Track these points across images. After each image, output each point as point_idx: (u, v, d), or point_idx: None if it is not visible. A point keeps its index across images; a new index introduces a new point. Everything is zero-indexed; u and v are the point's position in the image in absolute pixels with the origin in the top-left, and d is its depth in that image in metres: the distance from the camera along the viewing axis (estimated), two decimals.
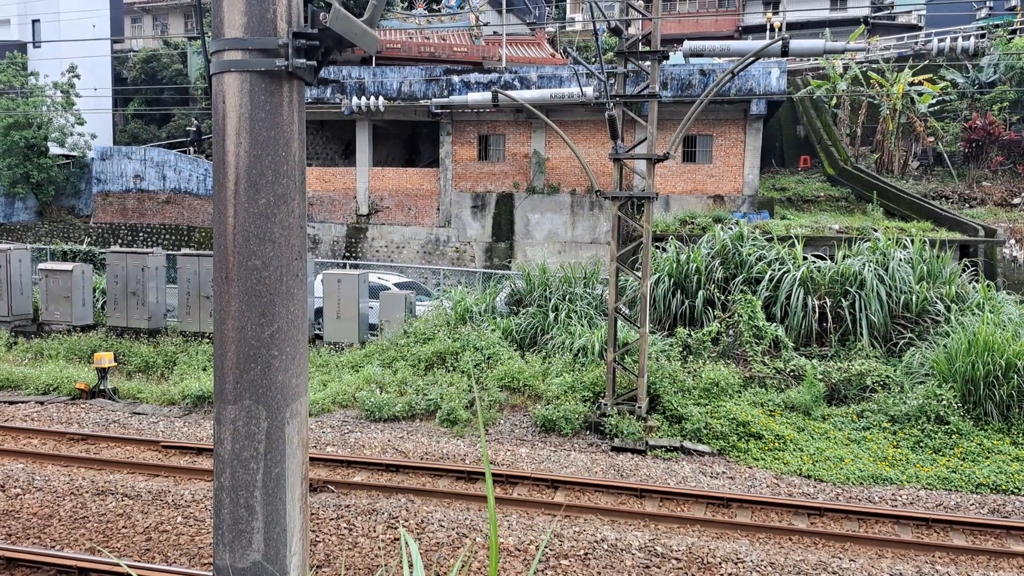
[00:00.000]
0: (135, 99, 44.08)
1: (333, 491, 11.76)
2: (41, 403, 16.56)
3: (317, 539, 10.07)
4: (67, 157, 35.85)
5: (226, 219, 3.96)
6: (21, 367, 18.53)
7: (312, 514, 10.74)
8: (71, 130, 34.52)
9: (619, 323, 15.52)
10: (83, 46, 35.24)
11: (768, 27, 40.50)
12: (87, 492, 11.42)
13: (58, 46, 35.99)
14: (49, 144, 34.45)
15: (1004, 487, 12.37)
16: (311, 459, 12.68)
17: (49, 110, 34.32)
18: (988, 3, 41.17)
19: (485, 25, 34.77)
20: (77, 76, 34.53)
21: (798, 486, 12.55)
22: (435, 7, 39.50)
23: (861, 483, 12.65)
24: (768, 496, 11.90)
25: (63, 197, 36.08)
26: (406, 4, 38.93)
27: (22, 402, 16.62)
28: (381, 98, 29.14)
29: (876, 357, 16.36)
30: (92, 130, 35.33)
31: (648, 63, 14.63)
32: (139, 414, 15.94)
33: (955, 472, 12.76)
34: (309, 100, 29.03)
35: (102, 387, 16.95)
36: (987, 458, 13.13)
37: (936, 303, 17.01)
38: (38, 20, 40.07)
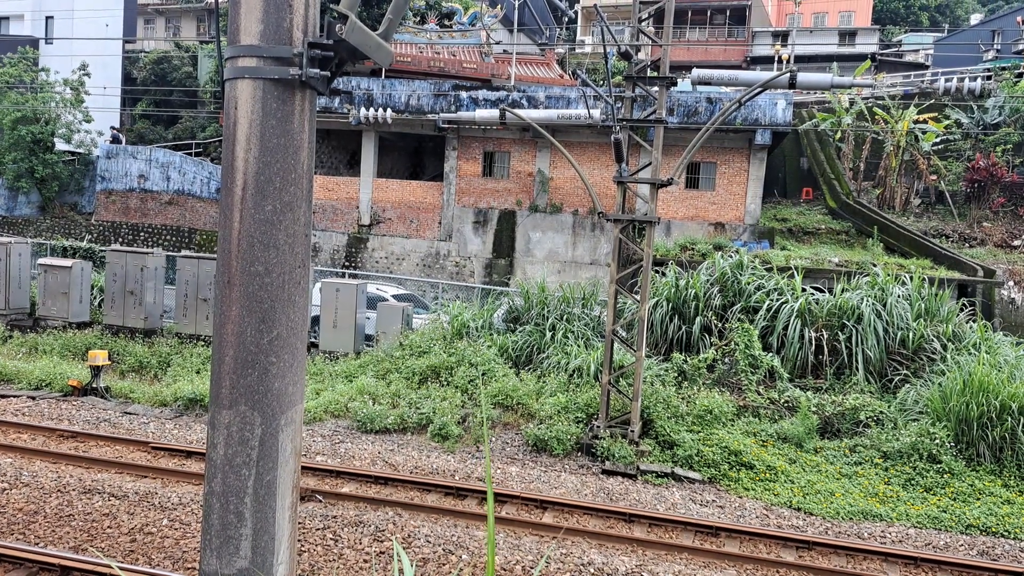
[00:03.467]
0: (143, 99, 44.28)
1: (321, 501, 11.70)
2: (33, 398, 16.49)
3: (302, 549, 10.01)
4: (72, 154, 35.94)
5: (231, 224, 3.97)
6: (15, 361, 18.47)
7: (299, 523, 10.68)
8: (78, 127, 34.62)
9: (616, 345, 15.51)
10: (95, 44, 35.49)
11: (776, 59, 40.84)
12: (74, 490, 11.36)
13: (70, 43, 36.22)
14: (56, 140, 34.55)
15: (994, 529, 12.33)
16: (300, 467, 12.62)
17: (58, 106, 34.44)
18: (995, 45, 41.54)
19: (496, 43, 35.00)
20: (87, 74, 34.71)
21: (788, 518, 12.50)
22: (447, 23, 39.77)
23: (851, 518, 12.61)
24: (757, 527, 11.85)
25: (66, 193, 36.13)
26: (418, 19, 39.19)
27: (14, 396, 16.55)
28: (389, 110, 29.37)
29: (871, 392, 16.35)
30: (99, 128, 35.44)
31: (656, 88, 14.73)
32: (130, 414, 15.87)
33: (945, 512, 12.72)
34: (317, 109, 29.18)
35: (95, 385, 16.89)
36: (978, 499, 13.09)
37: (933, 341, 17.02)
38: (52, 17, 40.34)
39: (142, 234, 33.62)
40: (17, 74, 34.54)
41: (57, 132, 34.13)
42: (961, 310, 18.75)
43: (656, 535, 11.48)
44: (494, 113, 16.79)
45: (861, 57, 42.56)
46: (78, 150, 35.39)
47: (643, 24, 15.00)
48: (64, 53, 36.68)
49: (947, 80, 35.05)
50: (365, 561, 9.76)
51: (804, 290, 18.44)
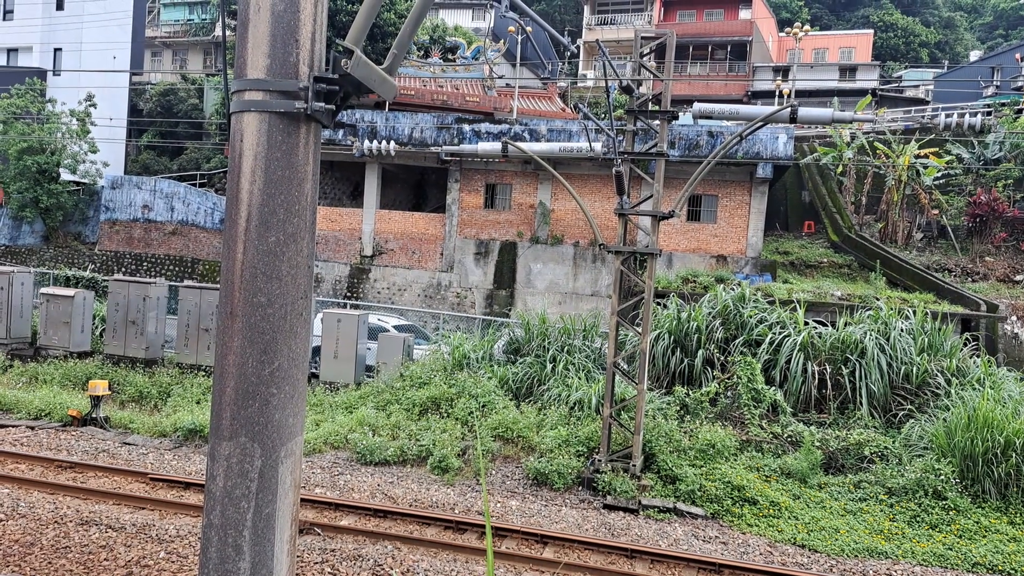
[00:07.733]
0: (149, 130, 44.67)
1: (319, 534, 11.58)
2: (32, 428, 16.41)
3: None
4: (77, 184, 36.15)
5: (235, 255, 3.97)
6: (15, 391, 18.41)
7: (297, 556, 10.55)
8: (84, 157, 34.87)
9: (617, 378, 15.45)
10: (102, 76, 35.87)
11: (777, 93, 41.17)
12: (71, 521, 11.26)
13: (78, 75, 36.62)
14: (61, 170, 34.78)
15: (1000, 567, 12.17)
16: (300, 500, 12.50)
17: (64, 137, 34.71)
18: (995, 82, 41.93)
19: (499, 77, 35.34)
20: (94, 105, 35.04)
21: (792, 555, 12.34)
22: (450, 57, 40.20)
23: (856, 556, 12.45)
24: (761, 564, 11.70)
25: (70, 223, 36.30)
26: (422, 53, 39.63)
27: (13, 426, 16.47)
28: (392, 142, 29.59)
29: (875, 427, 16.23)
30: (104, 159, 35.70)
31: (657, 122, 14.83)
32: (129, 444, 15.78)
33: (951, 549, 12.56)
34: (322, 141, 29.35)
35: (94, 415, 16.81)
36: (984, 537, 12.93)
37: (936, 376, 16.93)
38: (60, 49, 40.85)
39: (145, 264, 33.71)
40: (24, 105, 34.88)
41: (63, 163, 34.37)
42: (965, 345, 18.66)
43: (658, 571, 11.34)
44: (496, 146, 16.90)
45: (862, 92, 42.91)
46: (83, 180, 35.60)
47: (645, 59, 15.15)
48: (71, 85, 37.10)
49: (947, 116, 35.35)
50: None
51: (807, 323, 18.37)
